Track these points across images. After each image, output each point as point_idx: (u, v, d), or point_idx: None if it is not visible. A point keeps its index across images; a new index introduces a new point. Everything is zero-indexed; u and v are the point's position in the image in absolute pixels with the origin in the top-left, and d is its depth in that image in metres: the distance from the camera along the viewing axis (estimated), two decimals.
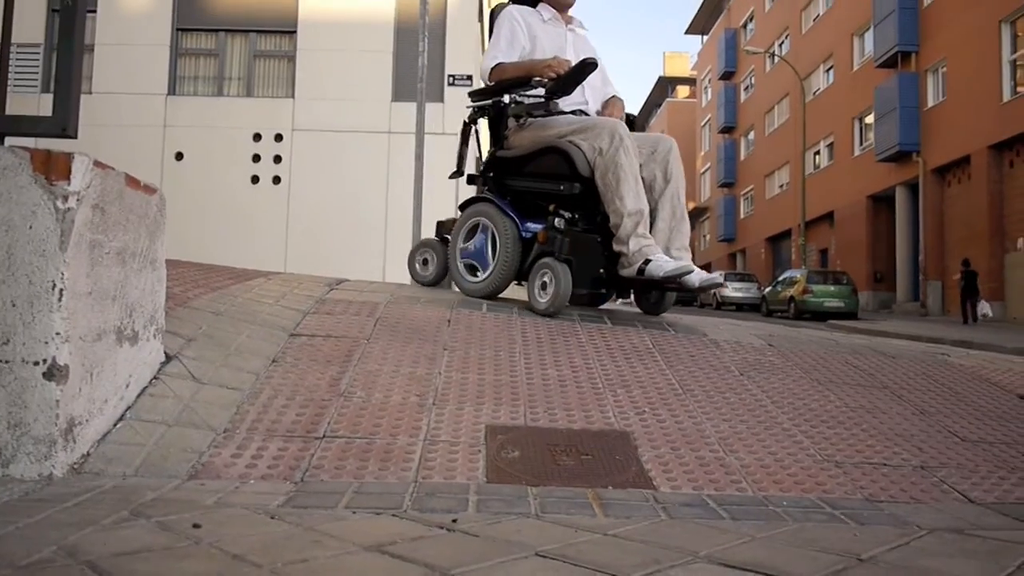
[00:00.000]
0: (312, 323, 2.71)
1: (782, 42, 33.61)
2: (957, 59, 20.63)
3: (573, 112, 3.56)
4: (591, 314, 3.38)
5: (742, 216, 39.49)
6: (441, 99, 13.59)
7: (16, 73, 13.18)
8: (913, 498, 1.75)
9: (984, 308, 16.52)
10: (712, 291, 3.88)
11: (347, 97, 13.90)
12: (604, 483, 1.70)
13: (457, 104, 13.47)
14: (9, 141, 1.66)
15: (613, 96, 3.79)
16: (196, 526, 1.29)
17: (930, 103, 22.11)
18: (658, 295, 3.64)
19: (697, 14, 46.98)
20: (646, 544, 1.33)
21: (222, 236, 13.11)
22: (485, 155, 3.76)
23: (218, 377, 2.06)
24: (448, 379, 2.29)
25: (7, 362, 1.53)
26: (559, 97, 3.44)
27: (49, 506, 1.36)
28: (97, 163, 1.65)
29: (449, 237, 3.78)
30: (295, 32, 14.39)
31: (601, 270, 3.38)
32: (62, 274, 1.55)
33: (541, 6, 3.79)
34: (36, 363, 1.53)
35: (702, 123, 47.36)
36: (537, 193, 3.48)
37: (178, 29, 14.43)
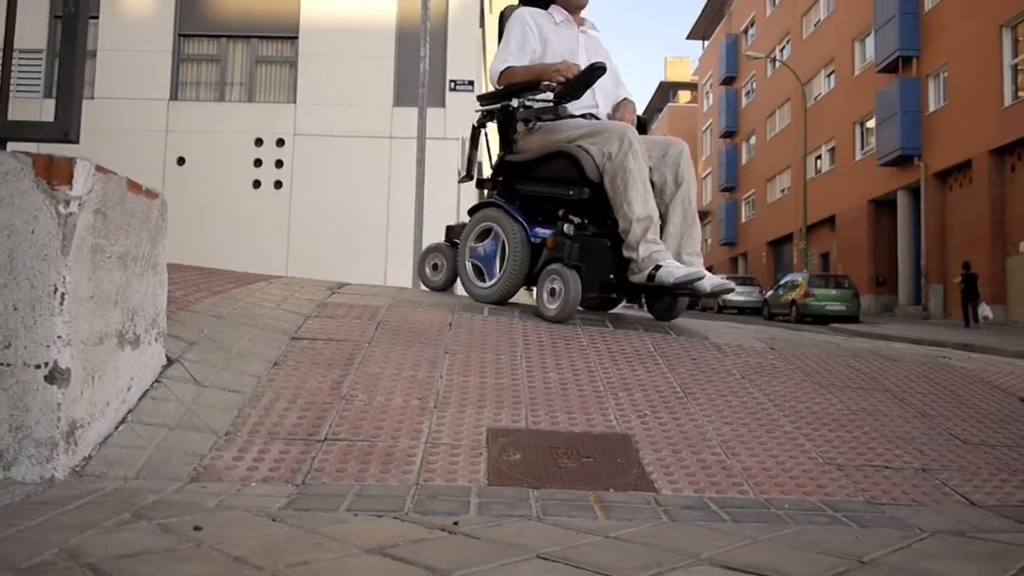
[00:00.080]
0: (314, 327, 2.71)
1: (783, 47, 33.63)
2: (958, 64, 20.65)
3: (583, 116, 3.53)
4: (592, 317, 3.38)
5: (743, 220, 39.49)
6: (443, 104, 13.63)
7: (18, 79, 13.24)
8: (915, 500, 1.75)
9: (985, 310, 16.50)
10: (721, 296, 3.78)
11: (349, 102, 13.93)
12: (605, 485, 1.70)
13: (458, 109, 13.59)
14: (11, 146, 1.67)
15: (625, 99, 3.75)
16: (197, 528, 1.29)
17: (931, 108, 22.13)
18: (669, 301, 3.57)
19: (698, 20, 47.05)
20: (647, 546, 1.33)
21: (224, 240, 13.13)
22: (495, 159, 3.72)
23: (220, 380, 2.06)
24: (449, 382, 2.29)
25: (9, 365, 1.53)
26: (568, 102, 3.39)
27: (50, 508, 1.36)
28: (99, 168, 1.65)
29: (458, 242, 3.75)
30: (297, 38, 14.42)
31: (611, 275, 3.34)
32: (64, 278, 1.55)
33: (553, 8, 3.74)
34: (38, 366, 1.53)
35: (703, 128, 47.38)
36: (546, 198, 3.45)
37: (180, 35, 14.47)
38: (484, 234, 3.60)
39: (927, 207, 21.92)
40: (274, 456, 1.74)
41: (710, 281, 3.14)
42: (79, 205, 1.58)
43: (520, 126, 3.56)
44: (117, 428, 1.74)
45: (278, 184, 14.13)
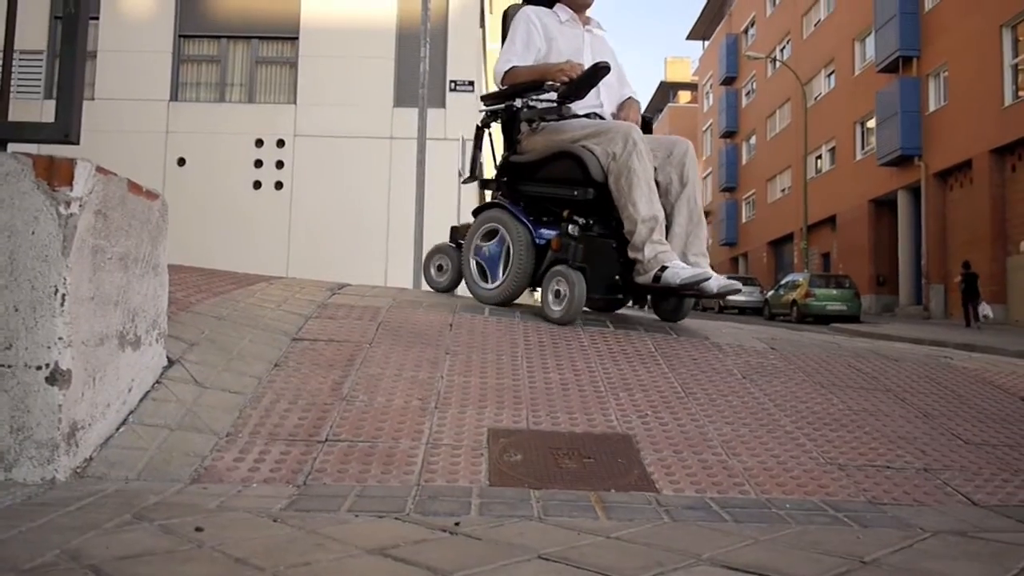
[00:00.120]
0: (314, 327, 2.71)
1: (783, 47, 33.64)
2: (958, 63, 20.65)
3: (587, 115, 3.50)
4: (593, 317, 3.37)
5: (744, 220, 39.49)
6: (443, 105, 13.63)
7: (19, 80, 13.25)
8: (916, 500, 1.75)
9: (985, 309, 16.49)
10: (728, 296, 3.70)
11: (349, 103, 13.94)
12: (607, 486, 1.70)
13: (459, 110, 13.60)
14: (12, 147, 1.66)
15: (629, 98, 3.72)
16: (199, 530, 1.29)
17: (932, 107, 22.12)
18: (676, 302, 3.54)
19: (698, 20, 47.07)
20: (649, 547, 1.32)
21: (224, 241, 13.14)
22: (499, 159, 3.70)
23: (220, 381, 2.06)
24: (450, 383, 2.29)
25: (10, 367, 1.53)
26: (571, 102, 3.37)
27: (52, 510, 1.36)
28: (99, 169, 1.65)
29: (463, 242, 3.72)
30: (297, 38, 14.42)
31: (617, 276, 3.31)
32: (64, 279, 1.55)
33: (558, 7, 3.71)
34: (39, 368, 1.53)
35: (703, 128, 47.40)
36: (551, 199, 3.43)
37: (180, 36, 14.48)
38: (488, 235, 3.57)
39: (928, 207, 21.92)
40: (275, 457, 1.74)
41: (717, 282, 3.11)
42: (80, 206, 1.58)
43: (524, 126, 3.53)
44: (118, 429, 1.74)
45: (278, 185, 14.14)
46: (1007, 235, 18.81)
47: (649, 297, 3.61)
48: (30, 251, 1.55)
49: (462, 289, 3.86)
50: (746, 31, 39.20)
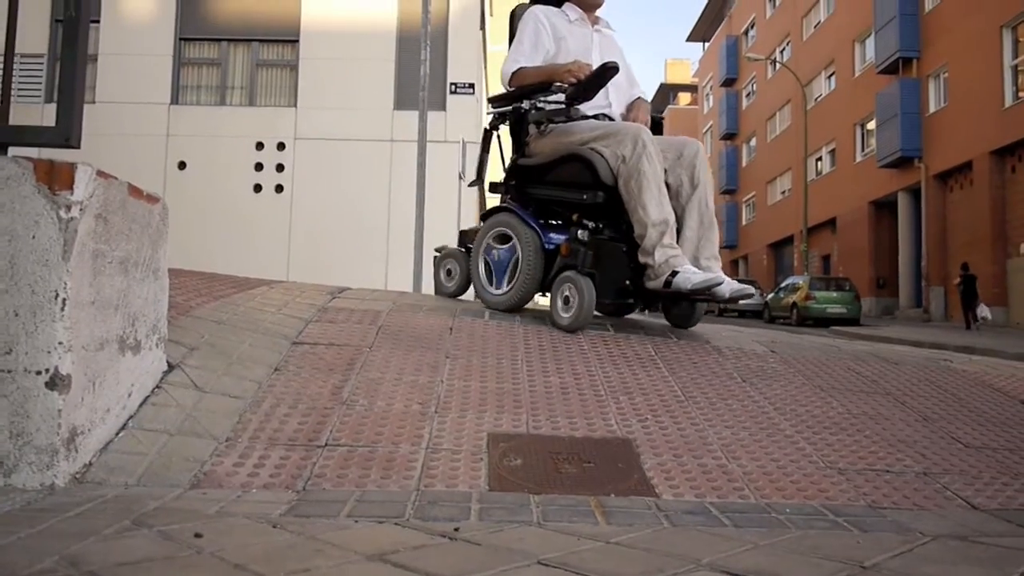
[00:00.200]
0: (314, 331, 2.71)
1: (783, 49, 33.66)
2: (958, 65, 20.66)
3: (596, 116, 3.44)
4: (593, 321, 3.36)
5: (744, 223, 39.48)
6: (443, 107, 13.65)
7: (20, 83, 13.27)
8: (916, 505, 1.75)
9: (983, 311, 16.49)
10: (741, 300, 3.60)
11: (349, 106, 13.95)
12: (606, 491, 1.70)
13: (459, 112, 13.62)
14: (12, 151, 1.67)
15: (639, 98, 3.66)
16: (198, 535, 1.29)
17: (932, 109, 22.13)
18: (688, 307, 3.45)
19: (698, 21, 47.09)
20: (649, 552, 1.32)
21: (225, 245, 13.14)
22: (507, 163, 3.64)
23: (220, 386, 2.06)
24: (450, 387, 2.29)
25: (9, 372, 1.53)
26: (580, 103, 3.31)
27: (51, 516, 1.36)
28: (100, 173, 1.65)
29: (472, 247, 3.67)
30: (297, 41, 14.44)
31: (627, 281, 3.22)
32: (65, 284, 1.55)
33: (567, 6, 3.65)
34: (38, 372, 1.53)
35: (704, 130, 47.40)
36: (560, 202, 3.37)
37: (181, 39, 14.49)
38: (497, 240, 3.52)
39: (928, 209, 21.92)
40: (275, 462, 1.74)
41: (728, 286, 3.02)
42: (80, 210, 1.58)
43: (532, 129, 3.48)
44: (118, 434, 1.74)
45: (279, 188, 14.15)
46: (1007, 237, 18.81)
47: (660, 302, 3.52)
48: (30, 255, 1.55)
49: (469, 294, 3.84)
50: (746, 33, 39.22)
